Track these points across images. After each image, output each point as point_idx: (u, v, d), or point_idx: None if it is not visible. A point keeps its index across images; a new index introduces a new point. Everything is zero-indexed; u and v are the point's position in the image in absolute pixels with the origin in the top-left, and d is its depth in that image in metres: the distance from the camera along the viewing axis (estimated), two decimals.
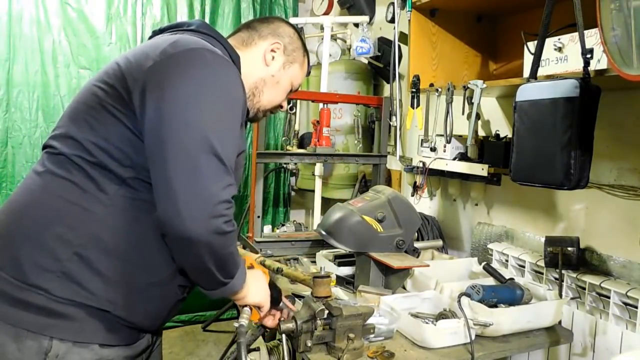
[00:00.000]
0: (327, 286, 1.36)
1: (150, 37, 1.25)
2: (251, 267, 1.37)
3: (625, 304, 1.55)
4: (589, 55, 1.29)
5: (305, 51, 1.40)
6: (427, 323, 1.49)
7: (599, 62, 1.38)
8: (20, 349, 1.01)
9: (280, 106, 1.40)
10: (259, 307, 1.27)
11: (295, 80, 1.38)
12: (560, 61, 1.56)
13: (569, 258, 1.70)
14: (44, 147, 1.17)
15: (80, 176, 1.06)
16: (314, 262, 2.08)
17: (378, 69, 3.07)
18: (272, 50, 1.31)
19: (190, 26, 1.21)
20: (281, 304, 1.39)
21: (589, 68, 1.30)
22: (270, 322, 1.37)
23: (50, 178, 1.08)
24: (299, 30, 1.40)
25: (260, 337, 1.63)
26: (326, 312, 1.30)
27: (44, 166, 1.11)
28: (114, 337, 1.09)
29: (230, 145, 1.05)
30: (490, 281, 1.72)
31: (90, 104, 1.10)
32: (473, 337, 1.40)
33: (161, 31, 1.25)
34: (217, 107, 1.05)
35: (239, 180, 1.29)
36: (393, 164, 2.82)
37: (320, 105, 2.54)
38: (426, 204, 2.61)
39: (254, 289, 1.23)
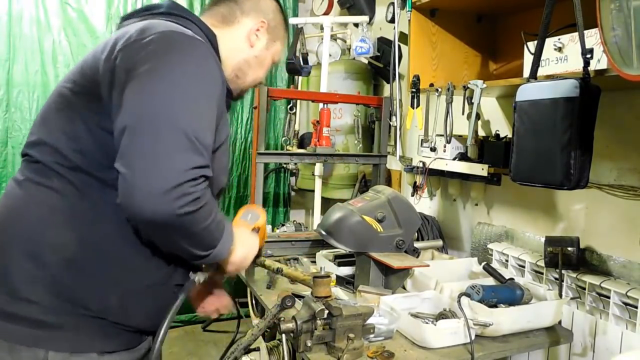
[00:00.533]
0: (327, 286, 1.36)
1: (120, 23, 1.20)
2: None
3: (625, 304, 1.55)
4: (589, 55, 1.29)
5: (286, 24, 1.37)
6: (427, 323, 1.49)
7: (599, 62, 1.38)
8: None
9: (260, 83, 1.38)
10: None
11: (277, 56, 1.35)
12: (560, 61, 1.56)
13: (569, 258, 1.70)
14: (23, 155, 1.12)
15: (61, 183, 1.02)
16: (314, 262, 2.08)
17: (378, 69, 3.07)
18: (257, 30, 1.26)
19: (160, 8, 1.15)
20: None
21: (589, 68, 1.30)
22: (208, 306, 1.37)
23: (31, 186, 1.05)
24: (279, 2, 1.36)
25: (260, 337, 1.63)
26: (326, 312, 1.30)
27: (24, 175, 1.08)
28: (113, 342, 1.06)
29: (205, 128, 0.99)
30: (490, 281, 1.72)
31: (59, 107, 1.07)
32: (473, 337, 1.40)
33: (130, 16, 1.19)
34: (190, 89, 0.99)
35: (227, 166, 1.27)
36: (393, 164, 2.82)
37: (320, 105, 2.54)
38: (426, 204, 2.61)
39: (240, 251, 1.19)
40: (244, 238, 1.23)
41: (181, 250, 1.04)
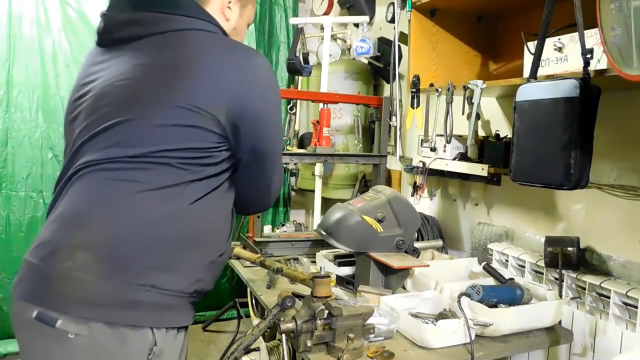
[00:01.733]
0: (327, 286, 1.36)
1: (115, 8, 1.18)
2: None
3: (625, 304, 1.55)
4: (589, 55, 1.29)
5: None
6: (427, 323, 1.49)
7: (599, 62, 1.38)
8: (126, 348, 1.02)
9: None
10: None
11: (250, 19, 1.38)
12: (560, 61, 1.56)
13: (569, 258, 1.70)
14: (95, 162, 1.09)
15: (157, 179, 1.06)
16: (314, 262, 2.08)
17: (378, 69, 3.07)
18: (229, 2, 1.27)
19: (181, 9, 1.15)
20: None
21: (589, 68, 1.30)
22: None
23: (123, 185, 1.06)
24: None
25: (261, 337, 1.63)
26: (326, 312, 1.30)
27: (113, 175, 1.07)
28: (189, 317, 1.16)
29: None
30: (490, 281, 1.72)
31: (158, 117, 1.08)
32: (473, 337, 1.40)
33: (136, 8, 1.15)
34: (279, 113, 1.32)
35: None
36: (393, 164, 2.82)
37: (320, 105, 2.54)
38: (426, 204, 2.61)
39: None
40: None
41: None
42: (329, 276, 1.39)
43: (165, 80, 1.08)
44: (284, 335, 1.36)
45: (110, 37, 1.19)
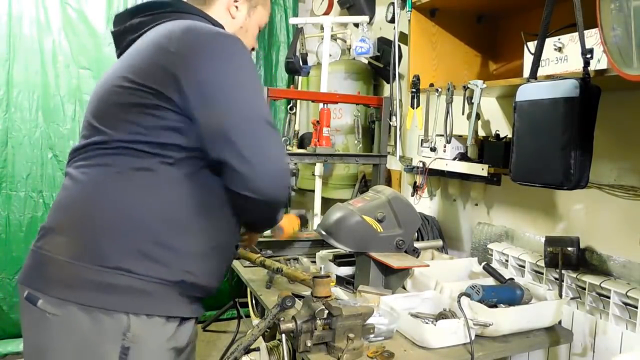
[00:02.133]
0: (327, 286, 1.36)
1: (119, 21, 1.26)
2: None
3: (625, 304, 1.55)
4: (589, 55, 1.29)
5: None
6: (427, 323, 1.49)
7: (599, 62, 1.38)
8: (100, 329, 1.05)
9: (252, 48, 1.40)
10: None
11: (262, 21, 1.36)
12: (560, 61, 1.56)
13: (569, 258, 1.70)
14: (80, 147, 1.17)
15: (136, 161, 1.10)
16: (314, 262, 2.08)
17: (378, 69, 3.07)
18: (235, 1, 1.28)
19: (167, 7, 1.20)
20: None
21: (589, 68, 1.30)
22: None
23: (102, 169, 1.11)
24: None
25: (261, 337, 1.63)
26: (326, 312, 1.30)
27: (95, 161, 1.13)
28: (184, 309, 1.15)
29: (267, 106, 1.21)
30: (490, 281, 1.72)
31: (121, 102, 1.12)
32: (473, 337, 1.40)
33: (132, 15, 1.23)
34: (254, 82, 1.14)
35: None
36: (393, 164, 2.82)
37: (320, 105, 2.54)
38: (426, 204, 2.61)
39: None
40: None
41: (271, 221, 1.29)
42: (329, 276, 1.38)
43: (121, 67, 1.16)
44: (284, 335, 1.36)
45: (117, 48, 1.29)
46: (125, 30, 1.24)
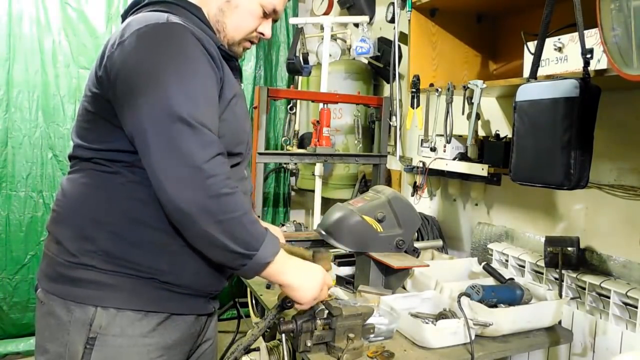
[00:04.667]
0: (328, 261, 1.35)
1: (123, 15, 1.26)
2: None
3: (625, 304, 1.55)
4: (589, 55, 1.29)
5: None
6: (427, 323, 1.49)
7: (599, 62, 1.38)
8: (70, 318, 1.10)
9: (261, 33, 1.28)
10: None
11: (266, 1, 1.23)
12: (560, 61, 1.56)
13: (569, 258, 1.70)
14: (70, 157, 1.24)
15: (95, 169, 1.14)
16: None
17: (378, 69, 3.07)
18: None
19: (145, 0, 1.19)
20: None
21: (589, 68, 1.30)
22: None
23: (76, 175, 1.18)
24: None
25: (261, 337, 1.63)
26: (326, 312, 1.30)
27: (71, 169, 1.21)
28: (164, 305, 1.15)
29: (200, 106, 1.04)
30: (490, 281, 1.72)
31: (87, 110, 1.17)
32: (473, 337, 1.40)
33: (125, 13, 1.24)
34: (175, 75, 1.03)
35: (243, 123, 1.27)
36: (393, 164, 2.81)
37: (320, 105, 2.54)
38: (426, 204, 2.61)
39: (294, 268, 1.17)
40: (298, 262, 1.23)
41: (218, 246, 1.04)
42: (328, 250, 1.37)
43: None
44: (284, 335, 1.36)
45: None
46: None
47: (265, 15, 1.26)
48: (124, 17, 1.23)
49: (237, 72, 1.28)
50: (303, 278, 1.19)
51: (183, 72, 1.04)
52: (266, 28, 1.28)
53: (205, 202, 1.00)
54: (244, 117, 1.27)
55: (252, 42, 1.31)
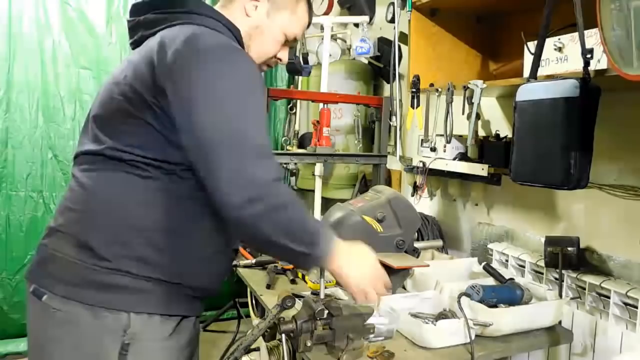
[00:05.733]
0: None
1: (135, 11, 1.23)
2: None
3: (625, 304, 1.55)
4: (589, 55, 1.29)
5: None
6: (427, 323, 1.49)
7: (599, 62, 1.37)
8: (101, 325, 1.08)
9: (279, 59, 1.33)
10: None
11: (289, 29, 1.28)
12: (560, 61, 1.56)
13: (569, 258, 1.70)
14: (82, 153, 1.20)
15: (137, 171, 1.12)
16: None
17: (378, 69, 3.07)
18: (253, 0, 1.24)
19: (180, 7, 1.17)
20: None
21: (589, 68, 1.30)
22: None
23: (103, 175, 1.13)
24: None
25: (261, 337, 1.63)
26: (326, 312, 1.30)
27: (94, 167, 1.15)
28: (180, 307, 1.17)
29: (262, 130, 1.09)
30: (490, 281, 1.72)
31: (120, 110, 1.13)
32: (473, 337, 1.40)
33: (149, 7, 1.20)
34: (241, 98, 1.06)
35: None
36: (393, 164, 2.81)
37: (320, 105, 2.54)
38: (426, 204, 2.61)
39: (354, 258, 1.22)
40: (357, 249, 1.28)
41: (283, 249, 1.08)
42: None
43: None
44: (284, 335, 1.35)
45: (130, 41, 1.27)
46: (139, 24, 1.21)
47: (286, 42, 1.31)
48: (151, 7, 1.20)
49: None
50: (362, 275, 1.23)
51: (250, 95, 1.08)
52: (284, 54, 1.33)
53: (271, 216, 1.04)
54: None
55: (269, 66, 1.37)
